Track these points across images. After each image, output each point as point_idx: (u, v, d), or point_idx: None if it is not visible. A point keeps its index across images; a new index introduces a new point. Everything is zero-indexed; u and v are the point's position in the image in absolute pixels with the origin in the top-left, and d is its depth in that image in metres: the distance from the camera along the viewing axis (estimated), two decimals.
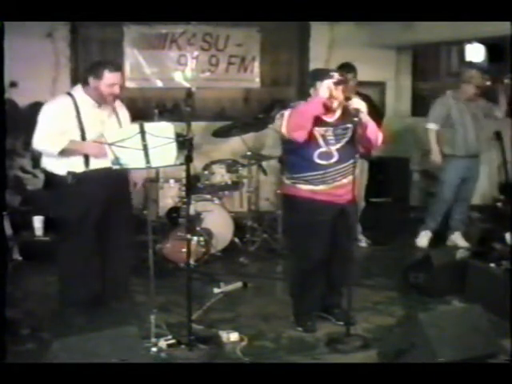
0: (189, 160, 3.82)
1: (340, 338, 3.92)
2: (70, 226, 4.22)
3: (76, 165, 4.10)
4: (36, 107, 6.38)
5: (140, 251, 4.61)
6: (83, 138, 4.08)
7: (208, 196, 5.88)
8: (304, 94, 4.18)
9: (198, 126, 5.62)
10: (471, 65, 7.16)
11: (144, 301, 4.28)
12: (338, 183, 4.00)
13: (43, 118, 4.11)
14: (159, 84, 7.25)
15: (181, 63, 7.27)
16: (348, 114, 3.98)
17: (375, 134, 4.08)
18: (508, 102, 5.89)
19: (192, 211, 5.19)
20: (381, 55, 7.54)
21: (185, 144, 3.82)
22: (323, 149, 3.97)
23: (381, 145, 4.23)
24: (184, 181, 5.00)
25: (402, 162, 7.46)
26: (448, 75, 7.98)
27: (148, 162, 3.69)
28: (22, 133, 6.36)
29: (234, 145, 6.66)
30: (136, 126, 3.73)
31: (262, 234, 6.14)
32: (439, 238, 6.19)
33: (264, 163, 6.26)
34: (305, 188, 4.01)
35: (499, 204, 6.77)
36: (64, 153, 4.06)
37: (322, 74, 3.99)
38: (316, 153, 3.96)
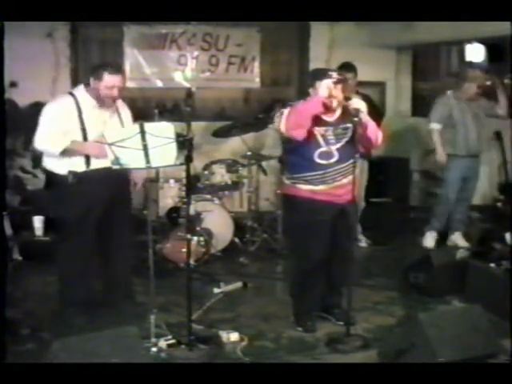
0: (189, 160, 3.82)
1: (340, 338, 3.92)
2: (70, 225, 4.22)
3: (77, 164, 4.10)
4: (36, 107, 6.41)
5: (140, 251, 4.61)
6: (85, 138, 4.09)
7: (208, 196, 5.88)
8: (304, 94, 4.18)
9: (197, 126, 5.62)
10: (471, 65, 7.17)
11: (144, 301, 4.28)
12: (338, 183, 4.00)
13: (45, 117, 4.11)
14: (159, 84, 7.25)
15: (181, 63, 7.27)
16: (348, 114, 3.98)
17: (375, 133, 4.08)
18: (508, 102, 5.88)
19: (192, 211, 5.19)
20: (381, 55, 7.54)
21: (185, 144, 3.82)
22: (323, 148, 3.97)
23: (381, 144, 4.23)
24: (184, 181, 5.00)
25: (402, 161, 7.45)
26: (448, 75, 7.97)
27: (148, 161, 3.69)
28: (22, 133, 6.37)
29: (234, 145, 6.66)
30: (136, 126, 3.73)
31: (262, 234, 6.14)
32: (439, 238, 6.18)
33: (264, 163, 6.26)
34: (305, 188, 4.02)
35: (499, 204, 6.77)
36: (65, 153, 4.06)
37: (321, 74, 3.99)
38: (316, 152, 3.96)
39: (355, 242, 5.34)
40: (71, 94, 4.19)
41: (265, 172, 6.28)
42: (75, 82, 6.86)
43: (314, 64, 6.91)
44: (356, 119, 3.87)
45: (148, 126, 3.72)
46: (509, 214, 5.73)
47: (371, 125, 4.02)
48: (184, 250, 4.35)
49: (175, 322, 4.15)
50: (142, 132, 3.65)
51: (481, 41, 7.02)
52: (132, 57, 7.09)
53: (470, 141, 5.93)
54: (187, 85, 6.92)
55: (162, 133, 3.71)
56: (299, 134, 3.87)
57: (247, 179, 6.22)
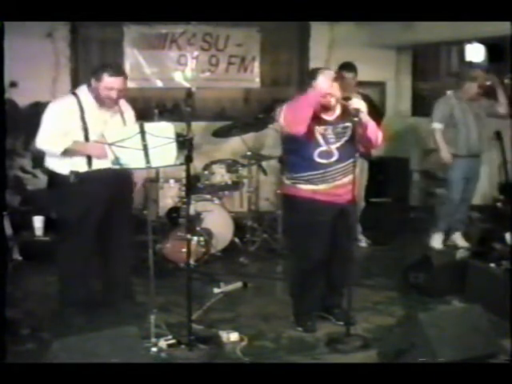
0: (189, 160, 3.82)
1: (340, 338, 3.92)
2: (70, 225, 4.23)
3: (79, 164, 4.10)
4: (36, 107, 6.43)
5: (140, 251, 4.60)
6: (86, 138, 4.09)
7: (208, 196, 5.88)
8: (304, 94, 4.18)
9: (198, 126, 5.62)
10: (471, 65, 7.18)
11: (144, 301, 4.27)
12: (339, 182, 4.00)
13: (47, 117, 4.12)
14: (159, 84, 7.25)
15: (181, 63, 7.27)
16: (347, 113, 3.98)
17: (375, 133, 4.09)
18: (509, 101, 5.89)
19: (192, 211, 5.20)
20: (381, 55, 7.54)
21: (185, 144, 3.82)
22: (323, 148, 3.97)
23: (381, 144, 4.24)
24: (184, 181, 5.00)
25: (402, 162, 7.46)
26: (448, 75, 7.98)
27: (148, 162, 3.69)
28: (22, 133, 6.38)
29: (234, 145, 6.66)
30: (136, 126, 3.73)
31: (262, 234, 6.14)
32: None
33: (264, 163, 6.26)
34: (305, 188, 4.01)
35: (499, 204, 6.77)
36: (67, 153, 4.07)
37: (318, 72, 3.98)
38: (316, 152, 3.96)
39: (355, 242, 5.34)
40: (74, 93, 4.20)
41: (265, 172, 6.28)
42: (75, 82, 6.88)
43: (314, 64, 6.90)
44: (356, 119, 3.88)
45: (148, 126, 3.72)
46: (509, 213, 5.73)
47: (371, 125, 4.03)
48: (184, 250, 4.35)
49: (175, 321, 4.15)
50: (142, 132, 3.65)
51: (481, 41, 7.03)
52: (132, 57, 7.10)
53: (472, 141, 5.93)
54: (187, 85, 6.92)
55: (162, 133, 3.71)
56: (298, 130, 3.86)
57: (247, 179, 6.22)
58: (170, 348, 3.76)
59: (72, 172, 4.10)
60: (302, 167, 4.01)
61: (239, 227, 6.04)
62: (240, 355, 3.75)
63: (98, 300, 4.42)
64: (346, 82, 5.84)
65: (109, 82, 4.05)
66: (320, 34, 7.32)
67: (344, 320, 4.06)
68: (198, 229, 5.47)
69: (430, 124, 6.04)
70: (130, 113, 4.35)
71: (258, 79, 7.52)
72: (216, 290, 4.67)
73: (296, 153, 4.03)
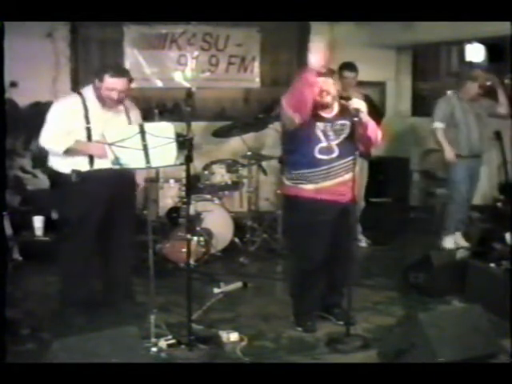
0: (189, 160, 3.82)
1: (340, 338, 3.92)
2: (71, 224, 4.23)
3: (81, 164, 4.11)
4: (36, 107, 6.44)
5: (140, 251, 4.61)
6: (89, 137, 4.09)
7: (208, 196, 5.89)
8: None
9: (197, 126, 5.62)
10: (471, 65, 7.18)
11: (144, 301, 4.27)
12: (341, 179, 4.00)
13: (51, 116, 4.14)
14: (159, 84, 7.25)
15: (181, 63, 7.27)
16: (345, 111, 4.00)
17: (375, 132, 4.11)
18: (509, 101, 5.89)
19: (192, 211, 5.19)
20: (381, 55, 7.54)
21: (185, 144, 3.82)
22: (324, 144, 3.97)
23: (380, 143, 4.24)
24: (184, 181, 5.00)
25: (402, 162, 7.46)
26: (448, 75, 7.98)
27: (148, 162, 3.69)
28: (22, 133, 6.38)
29: (234, 145, 6.67)
30: (136, 126, 3.73)
31: (262, 234, 6.14)
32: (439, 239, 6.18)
33: (264, 163, 6.26)
34: (307, 188, 4.01)
35: (499, 204, 6.77)
36: (69, 152, 4.08)
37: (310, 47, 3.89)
38: (317, 148, 3.96)
39: (355, 242, 5.34)
40: (79, 93, 4.20)
41: (265, 172, 6.28)
42: (75, 82, 6.89)
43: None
44: (356, 119, 3.88)
45: (148, 125, 3.73)
46: (509, 213, 5.73)
47: (371, 124, 4.04)
48: (184, 249, 4.35)
49: (175, 321, 4.15)
50: (142, 132, 3.66)
51: (481, 41, 7.03)
52: (132, 57, 7.09)
53: (473, 141, 5.92)
54: (187, 85, 6.92)
55: (162, 133, 3.71)
56: (302, 113, 3.84)
57: (247, 179, 6.22)
58: (169, 348, 3.76)
59: (74, 171, 4.11)
60: (303, 164, 4.01)
61: (239, 227, 6.04)
62: (240, 355, 3.75)
63: (98, 300, 4.42)
64: (346, 82, 5.86)
65: (110, 82, 4.06)
66: (320, 33, 7.30)
67: (344, 320, 4.06)
68: (197, 229, 5.47)
69: (430, 124, 6.04)
70: (135, 112, 4.36)
71: (258, 79, 7.52)
72: (216, 290, 4.67)
73: (296, 150, 4.04)
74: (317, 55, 3.68)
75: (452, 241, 6.05)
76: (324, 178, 3.99)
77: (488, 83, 5.90)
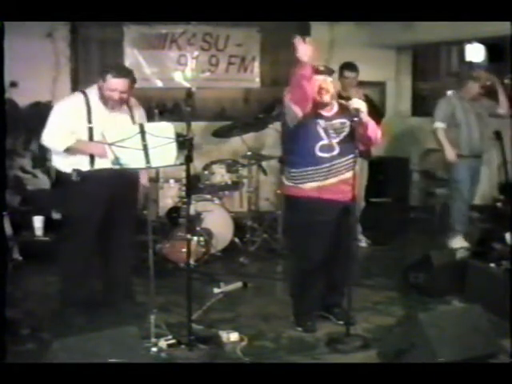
0: (189, 160, 3.82)
1: (340, 338, 3.92)
2: (72, 224, 4.24)
3: (81, 163, 4.12)
4: (36, 107, 6.44)
5: (140, 251, 4.60)
6: (91, 137, 4.10)
7: (208, 196, 5.89)
8: None
9: (197, 126, 5.62)
10: (471, 65, 7.18)
11: (144, 301, 4.27)
12: (343, 177, 4.00)
13: (54, 115, 4.15)
14: (159, 84, 7.25)
15: (181, 63, 7.27)
16: (344, 110, 4.02)
17: (375, 132, 4.12)
18: (509, 101, 5.89)
19: (192, 211, 5.19)
20: (381, 55, 7.54)
21: (185, 144, 3.82)
22: (325, 141, 3.98)
23: (380, 142, 4.25)
24: (184, 181, 5.00)
25: (402, 161, 7.47)
26: (448, 75, 7.98)
27: (148, 162, 3.69)
28: (22, 133, 6.38)
29: (234, 145, 6.67)
30: (136, 126, 3.73)
31: (262, 234, 6.14)
32: (439, 238, 6.18)
33: (264, 163, 6.27)
34: (308, 187, 4.01)
35: (499, 204, 6.77)
36: (69, 151, 4.09)
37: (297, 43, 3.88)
38: (318, 145, 3.97)
39: (355, 242, 5.34)
40: (83, 92, 4.20)
41: (265, 172, 6.28)
42: (75, 82, 6.90)
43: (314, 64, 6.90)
44: (356, 119, 3.88)
45: (148, 126, 3.73)
46: (509, 213, 5.72)
47: (371, 124, 4.05)
48: (184, 249, 4.35)
49: (175, 321, 4.15)
50: (142, 132, 3.66)
51: (481, 41, 7.03)
52: (132, 57, 7.09)
53: (474, 141, 5.92)
54: (187, 85, 6.92)
55: (162, 133, 3.71)
56: (304, 105, 3.86)
57: (247, 179, 6.22)
58: (170, 348, 3.75)
59: (74, 170, 4.12)
60: (304, 163, 4.01)
61: (239, 227, 6.04)
62: (240, 355, 3.75)
63: (98, 300, 4.42)
64: (347, 82, 5.87)
65: (112, 83, 4.06)
66: (320, 34, 7.31)
67: (344, 320, 4.06)
68: (197, 229, 5.47)
69: (430, 124, 6.04)
70: (140, 112, 4.34)
71: (258, 79, 7.52)
72: (216, 290, 4.67)
73: (297, 148, 4.04)
74: (301, 49, 3.67)
75: (461, 241, 6.00)
76: (325, 176, 3.99)
77: (488, 83, 5.90)
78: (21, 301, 4.57)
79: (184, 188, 5.55)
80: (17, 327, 3.97)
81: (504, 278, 4.36)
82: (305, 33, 7.39)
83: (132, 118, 4.24)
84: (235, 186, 6.09)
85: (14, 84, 6.22)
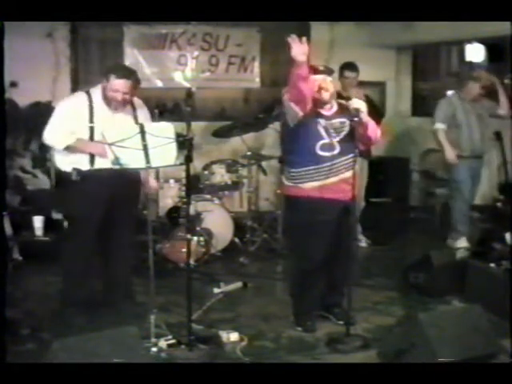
0: (189, 160, 3.82)
1: (340, 338, 3.92)
2: (72, 224, 4.24)
3: (81, 162, 4.12)
4: (36, 107, 6.44)
5: (140, 251, 4.61)
6: (91, 137, 4.10)
7: (208, 196, 5.89)
8: None
9: (197, 126, 5.62)
10: (471, 65, 7.18)
11: (144, 301, 4.27)
12: (343, 176, 4.00)
13: (56, 113, 4.16)
14: (159, 84, 7.25)
15: (181, 63, 7.27)
16: (343, 110, 4.02)
17: (375, 132, 4.13)
18: (509, 102, 5.88)
19: (192, 211, 5.19)
20: (381, 55, 7.54)
21: (185, 144, 3.82)
22: (325, 140, 3.98)
23: (380, 141, 4.25)
24: (184, 181, 5.00)
25: (402, 162, 7.46)
26: (448, 75, 7.98)
27: (148, 162, 3.69)
28: (22, 133, 6.38)
29: (234, 145, 6.67)
30: (136, 126, 3.73)
31: (262, 234, 6.14)
32: (439, 238, 6.18)
33: (264, 163, 6.26)
34: (308, 187, 4.01)
35: (499, 204, 6.77)
36: (69, 150, 4.10)
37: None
38: (318, 144, 3.97)
39: (355, 242, 5.33)
40: (87, 92, 4.20)
41: (265, 172, 6.28)
42: (75, 82, 6.90)
43: (314, 63, 6.90)
44: (356, 119, 3.89)
45: (148, 126, 3.73)
46: (509, 213, 5.72)
47: (371, 124, 4.06)
48: (184, 249, 4.35)
49: (175, 321, 4.15)
50: (142, 132, 3.66)
51: (481, 41, 7.03)
52: (132, 57, 7.09)
53: (475, 141, 5.92)
54: (187, 85, 6.92)
55: (162, 133, 3.71)
56: (303, 105, 3.87)
57: (247, 179, 6.22)
58: (170, 348, 3.75)
59: (74, 169, 4.12)
60: (305, 162, 4.01)
61: (239, 227, 6.04)
62: (240, 355, 3.75)
63: (98, 300, 4.43)
64: (347, 82, 5.88)
65: (115, 83, 4.06)
66: (320, 33, 7.31)
67: (344, 319, 4.06)
68: (197, 229, 5.47)
69: (430, 124, 6.04)
70: (144, 112, 4.34)
71: (258, 79, 7.52)
72: (216, 290, 4.67)
73: (298, 148, 4.04)
74: (295, 48, 3.66)
75: (465, 241, 5.99)
76: (327, 175, 3.99)
77: (489, 83, 5.89)
78: (21, 301, 4.57)
79: (184, 188, 5.55)
80: (17, 327, 3.97)
81: (504, 278, 4.36)
82: (305, 33, 7.38)
83: (135, 118, 4.23)
84: (235, 186, 6.09)
85: (13, 84, 6.22)
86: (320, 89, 3.96)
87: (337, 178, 4.01)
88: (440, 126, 5.90)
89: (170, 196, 5.95)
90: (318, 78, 3.97)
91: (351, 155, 3.98)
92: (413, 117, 7.99)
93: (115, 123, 4.04)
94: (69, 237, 4.28)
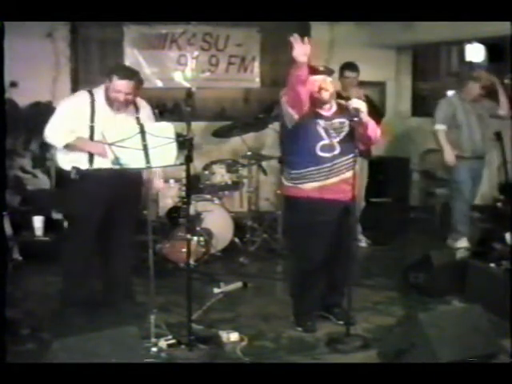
0: (189, 160, 3.81)
1: (340, 338, 3.92)
2: (72, 224, 4.24)
3: (80, 161, 4.12)
4: (36, 107, 6.44)
5: (140, 251, 4.60)
6: (91, 137, 4.10)
7: (208, 196, 5.89)
8: None
9: (197, 126, 5.62)
10: (471, 65, 7.18)
11: (144, 301, 4.27)
12: (344, 176, 4.00)
13: (58, 112, 4.17)
14: (159, 84, 7.25)
15: (181, 63, 7.27)
16: (343, 110, 4.02)
17: (375, 131, 4.13)
18: (509, 102, 5.88)
19: (192, 211, 5.19)
20: (381, 55, 7.54)
21: (185, 144, 3.82)
22: (325, 141, 3.98)
23: (379, 140, 4.25)
24: (184, 181, 5.00)
25: (402, 162, 7.46)
26: (448, 75, 7.98)
27: (148, 162, 3.69)
28: (22, 133, 6.38)
29: (234, 145, 6.67)
30: (136, 126, 3.73)
31: (262, 234, 6.14)
32: (439, 238, 6.18)
33: (264, 163, 6.26)
34: (308, 187, 4.01)
35: (499, 204, 6.77)
36: (68, 148, 4.10)
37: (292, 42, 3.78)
38: (318, 145, 3.97)
39: (355, 242, 5.33)
40: (90, 92, 4.20)
41: (265, 172, 6.28)
42: (75, 82, 6.90)
43: (314, 63, 6.90)
44: (356, 119, 3.89)
45: (148, 125, 3.73)
46: (509, 213, 5.72)
47: (371, 124, 4.05)
48: (184, 250, 4.35)
49: (175, 321, 4.15)
50: (142, 132, 3.66)
51: (481, 41, 7.03)
52: (132, 57, 7.08)
53: (476, 142, 5.91)
54: (187, 85, 6.92)
55: (162, 133, 3.71)
56: (299, 108, 3.87)
57: (247, 179, 6.22)
58: (170, 348, 3.75)
59: (73, 168, 4.12)
60: (305, 163, 4.01)
61: (239, 227, 6.04)
62: (240, 355, 3.75)
63: (98, 300, 4.43)
64: (348, 82, 5.88)
65: (117, 84, 4.06)
66: (320, 34, 7.31)
67: (344, 320, 4.06)
68: (197, 229, 5.47)
69: (430, 124, 6.03)
70: (147, 113, 4.33)
71: (258, 79, 7.52)
72: (216, 290, 4.67)
73: (298, 149, 4.04)
74: (298, 48, 3.66)
75: (466, 242, 5.97)
76: (327, 176, 3.99)
77: (489, 84, 5.89)
78: (21, 301, 4.57)
79: (184, 188, 5.55)
80: (17, 327, 3.97)
81: (504, 278, 4.36)
82: (305, 33, 7.40)
83: (137, 118, 4.21)
84: (235, 185, 6.09)
85: (13, 84, 6.22)
86: (320, 89, 3.96)
87: (337, 179, 4.01)
88: (440, 127, 5.89)
89: (170, 196, 5.95)
90: (318, 79, 3.97)
91: (351, 155, 3.98)
92: (413, 117, 7.99)
93: (116, 123, 4.04)
94: (69, 237, 4.28)
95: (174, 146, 3.75)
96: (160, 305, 4.13)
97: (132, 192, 4.35)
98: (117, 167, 3.70)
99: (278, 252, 5.94)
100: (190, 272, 3.94)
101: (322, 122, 3.98)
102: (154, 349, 3.71)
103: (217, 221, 5.75)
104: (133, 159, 3.67)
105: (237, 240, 5.97)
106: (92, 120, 4.09)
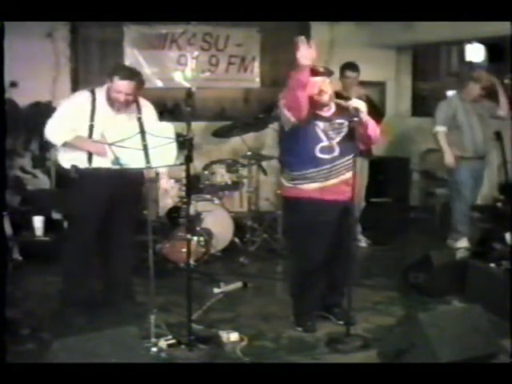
0: (189, 160, 3.81)
1: (340, 338, 3.92)
2: (72, 223, 4.24)
3: (79, 160, 4.12)
4: (36, 107, 6.44)
5: (140, 251, 4.60)
6: (90, 136, 4.10)
7: (208, 196, 5.88)
8: None
9: (197, 126, 5.62)
10: (471, 65, 7.18)
11: (144, 301, 4.27)
12: (343, 177, 4.00)
13: (59, 111, 4.18)
14: (159, 84, 7.25)
15: (181, 63, 7.27)
16: (342, 110, 4.02)
17: (375, 131, 4.12)
18: (509, 102, 5.88)
19: (192, 211, 5.19)
20: (381, 55, 7.54)
21: (185, 144, 3.82)
22: (325, 143, 3.98)
23: (379, 140, 4.25)
24: (184, 181, 4.99)
25: (402, 162, 7.46)
26: (448, 75, 7.99)
27: (148, 162, 3.69)
28: (22, 133, 6.39)
29: (234, 145, 6.67)
30: (136, 126, 3.74)
31: (262, 234, 6.14)
32: (439, 238, 6.18)
33: (264, 163, 6.26)
34: (308, 188, 4.01)
35: (499, 204, 6.76)
36: (67, 146, 4.11)
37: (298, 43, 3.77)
38: (317, 147, 3.97)
39: (355, 242, 5.34)
40: (92, 91, 4.20)
41: (265, 172, 6.28)
42: (75, 82, 6.90)
43: (314, 64, 6.90)
44: (356, 119, 3.88)
45: (148, 125, 3.73)
46: (509, 213, 5.72)
47: (371, 124, 4.05)
48: (184, 249, 4.35)
49: (175, 321, 4.15)
50: (142, 132, 3.66)
51: (481, 41, 7.03)
52: (132, 57, 7.08)
53: (477, 142, 5.91)
54: (187, 85, 6.93)
55: (162, 133, 3.71)
56: (299, 113, 3.85)
57: (247, 179, 6.22)
58: (170, 348, 3.75)
59: (73, 166, 4.12)
60: (304, 165, 4.01)
61: (239, 227, 6.04)
62: (240, 355, 3.74)
63: (98, 300, 4.43)
64: (348, 82, 5.88)
65: (118, 84, 4.06)
66: (320, 34, 7.30)
67: (344, 320, 4.06)
68: (197, 229, 5.47)
69: (430, 124, 6.03)
70: (148, 112, 4.32)
71: (258, 79, 7.52)
72: (216, 290, 4.67)
73: (297, 150, 4.03)
74: (303, 51, 3.64)
75: (466, 242, 5.96)
76: (327, 177, 3.99)
77: (489, 84, 5.89)
78: (21, 301, 4.57)
79: (184, 188, 5.54)
80: (17, 327, 3.97)
81: (504, 278, 4.36)
82: (305, 33, 7.41)
83: (139, 119, 4.20)
84: (235, 185, 6.09)
85: (13, 84, 6.22)
86: (320, 91, 3.95)
87: (337, 180, 4.01)
88: (440, 128, 5.89)
89: (170, 196, 5.94)
90: (318, 80, 3.95)
91: (351, 156, 3.97)
92: (413, 117, 7.99)
93: (116, 123, 4.04)
94: (69, 237, 4.28)
95: (174, 146, 3.76)
96: (160, 305, 4.13)
97: (132, 192, 4.35)
98: (117, 167, 3.70)
99: (278, 252, 5.94)
100: (189, 272, 3.94)
101: (321, 124, 3.98)
102: (154, 349, 3.71)
103: (217, 221, 5.75)
104: (133, 159, 3.68)
105: (237, 240, 5.97)
106: (92, 119, 4.10)
